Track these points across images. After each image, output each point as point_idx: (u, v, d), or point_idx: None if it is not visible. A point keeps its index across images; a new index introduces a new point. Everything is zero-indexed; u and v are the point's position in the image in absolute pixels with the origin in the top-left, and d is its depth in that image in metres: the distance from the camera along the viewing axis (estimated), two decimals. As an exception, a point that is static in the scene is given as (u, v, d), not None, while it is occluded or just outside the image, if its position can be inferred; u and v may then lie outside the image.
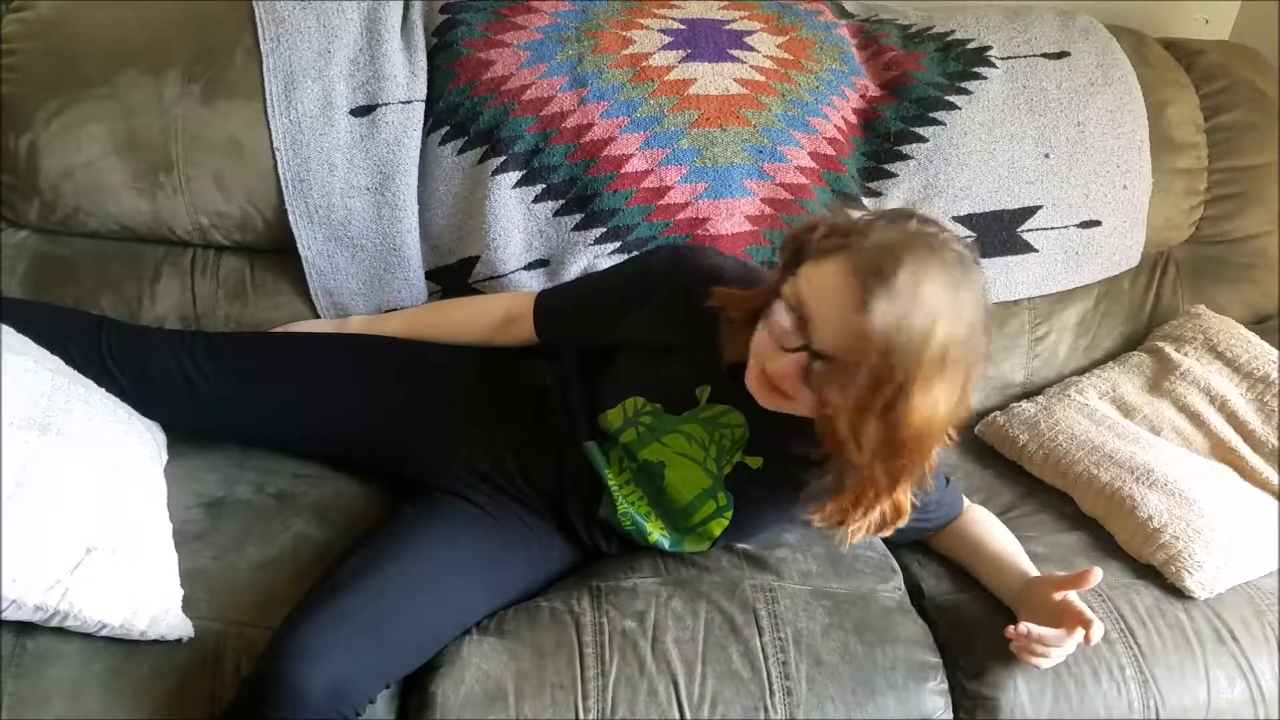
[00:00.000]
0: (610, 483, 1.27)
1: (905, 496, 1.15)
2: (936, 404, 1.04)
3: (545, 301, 1.38)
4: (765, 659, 1.20)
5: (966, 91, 1.64)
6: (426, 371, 1.40)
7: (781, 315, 1.08)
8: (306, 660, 1.06)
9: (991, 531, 1.37)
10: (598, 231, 1.52)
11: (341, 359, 1.41)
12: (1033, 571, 1.28)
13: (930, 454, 1.11)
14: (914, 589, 1.35)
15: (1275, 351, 1.62)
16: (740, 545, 1.33)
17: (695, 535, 1.28)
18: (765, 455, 1.25)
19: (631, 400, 1.26)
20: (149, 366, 1.34)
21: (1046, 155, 1.65)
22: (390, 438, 1.35)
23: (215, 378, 1.34)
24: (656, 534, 1.28)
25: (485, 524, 1.27)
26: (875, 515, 1.14)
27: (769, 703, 1.17)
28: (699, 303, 1.20)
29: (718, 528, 1.27)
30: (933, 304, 1.01)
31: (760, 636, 1.21)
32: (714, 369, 1.21)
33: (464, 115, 1.51)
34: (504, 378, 1.39)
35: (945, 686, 1.24)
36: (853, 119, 1.64)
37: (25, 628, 1.10)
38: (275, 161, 1.45)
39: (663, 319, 1.25)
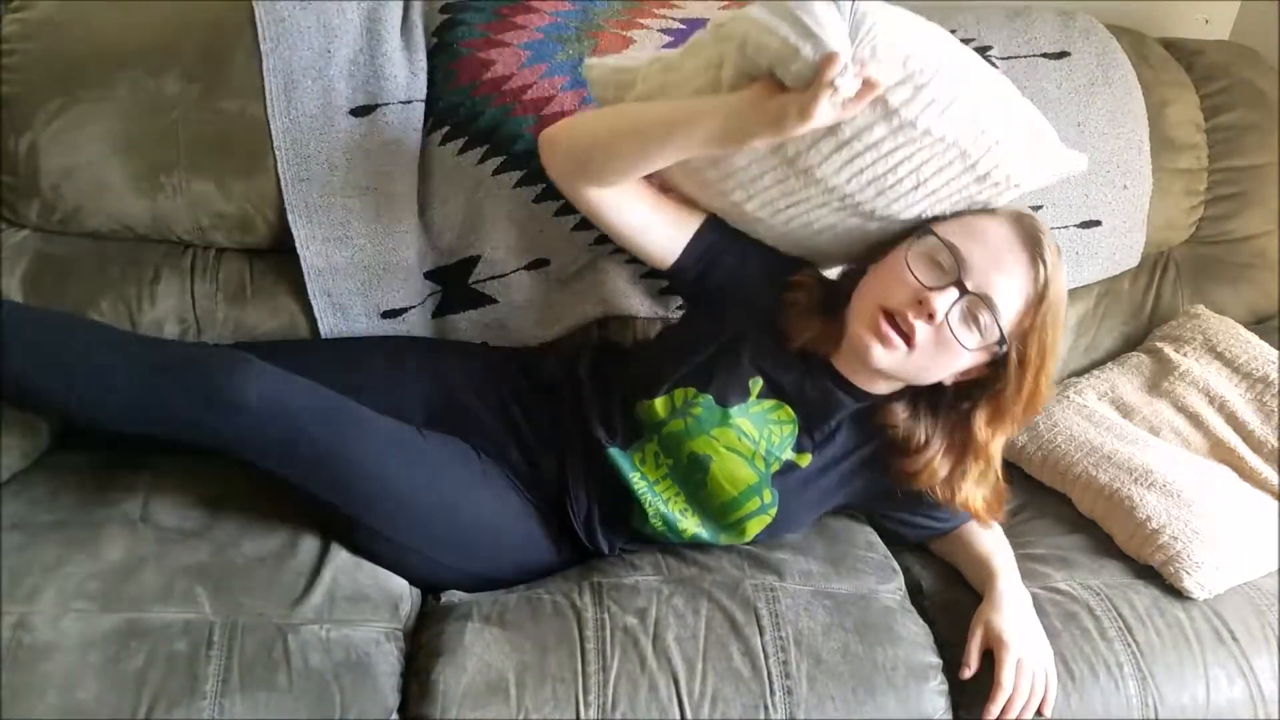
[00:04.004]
0: (637, 486, 1.27)
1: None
2: (1058, 350, 1.20)
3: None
4: (766, 658, 1.20)
5: (966, 91, 1.64)
6: (439, 368, 1.40)
7: (926, 258, 1.16)
8: (248, 372, 1.16)
9: (981, 535, 1.37)
10: (598, 231, 1.52)
11: (353, 359, 1.41)
12: (1003, 581, 1.28)
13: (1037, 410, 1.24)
14: (914, 589, 1.36)
15: (1275, 352, 1.62)
16: (743, 544, 1.34)
17: (732, 531, 1.29)
18: (814, 452, 1.27)
19: (681, 391, 1.26)
20: None
21: (1046, 155, 1.66)
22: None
23: None
24: (693, 529, 1.28)
25: (480, 467, 1.30)
26: (987, 485, 1.28)
27: (769, 701, 1.17)
28: (771, 291, 1.28)
29: (757, 526, 1.27)
30: (1060, 259, 1.18)
31: (761, 635, 1.22)
32: (768, 362, 1.26)
33: (464, 115, 1.51)
34: (516, 374, 1.39)
35: (945, 687, 1.24)
36: (853, 119, 1.64)
37: (22, 622, 1.11)
38: (275, 161, 1.45)
39: (740, 309, 1.29)
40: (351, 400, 1.25)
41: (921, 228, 1.19)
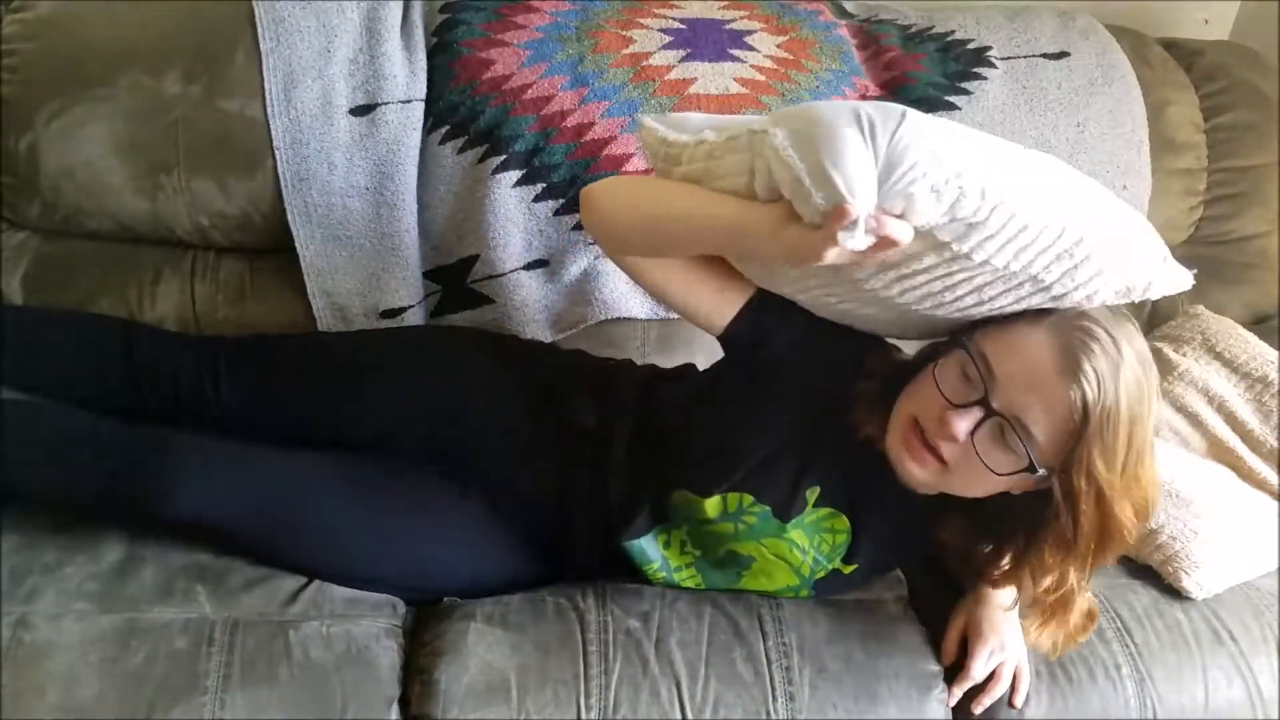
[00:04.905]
0: (657, 576, 1.24)
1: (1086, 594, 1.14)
2: (1130, 486, 1.03)
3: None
4: (769, 664, 1.20)
5: (966, 92, 1.64)
6: (443, 369, 1.36)
7: (957, 369, 1.05)
8: (173, 482, 1.16)
9: None
10: (598, 231, 1.52)
11: (354, 357, 1.39)
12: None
13: (1122, 541, 1.07)
14: (917, 597, 1.35)
15: (1274, 352, 1.62)
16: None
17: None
18: (861, 562, 1.24)
19: (736, 496, 1.17)
20: (177, 376, 1.33)
21: (1046, 156, 1.66)
22: (404, 448, 1.30)
23: (229, 388, 1.32)
24: (693, 584, 1.27)
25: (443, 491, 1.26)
26: (1071, 618, 1.14)
27: (771, 708, 1.17)
28: (834, 378, 1.16)
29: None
30: (1131, 371, 1.01)
31: (764, 641, 1.22)
32: (827, 468, 1.18)
33: (464, 115, 1.51)
34: (543, 408, 1.30)
35: (947, 696, 1.23)
36: (853, 119, 1.63)
37: (22, 621, 1.11)
38: (275, 161, 1.45)
39: (795, 394, 1.18)
40: (294, 465, 1.23)
41: (955, 337, 1.08)
